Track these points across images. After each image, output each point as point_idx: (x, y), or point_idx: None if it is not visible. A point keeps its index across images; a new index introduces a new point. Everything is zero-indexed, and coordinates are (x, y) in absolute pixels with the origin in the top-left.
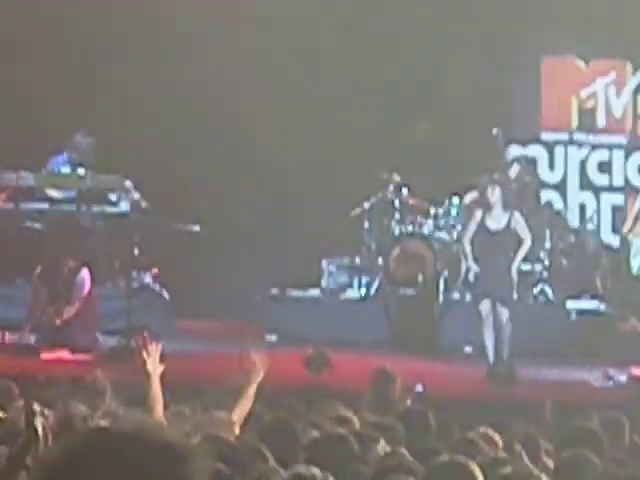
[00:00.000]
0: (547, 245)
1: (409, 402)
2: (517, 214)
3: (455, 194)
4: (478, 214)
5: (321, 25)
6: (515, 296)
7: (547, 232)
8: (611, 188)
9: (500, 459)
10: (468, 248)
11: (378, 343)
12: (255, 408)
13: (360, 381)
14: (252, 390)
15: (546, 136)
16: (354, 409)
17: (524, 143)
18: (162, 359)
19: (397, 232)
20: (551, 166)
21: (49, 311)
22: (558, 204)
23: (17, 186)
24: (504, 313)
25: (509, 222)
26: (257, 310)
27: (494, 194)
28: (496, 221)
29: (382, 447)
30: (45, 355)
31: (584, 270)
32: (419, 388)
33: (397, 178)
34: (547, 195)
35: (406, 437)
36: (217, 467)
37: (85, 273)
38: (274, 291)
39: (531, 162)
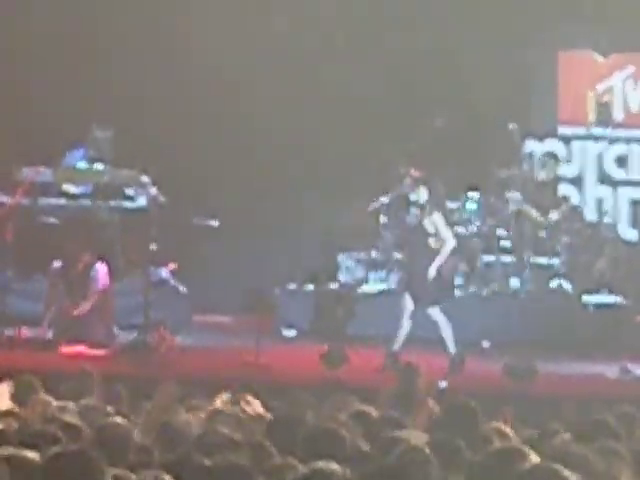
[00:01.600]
0: (564, 239)
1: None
2: (435, 215)
3: (472, 188)
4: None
5: (337, 20)
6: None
7: (564, 226)
8: (629, 182)
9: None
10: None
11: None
12: (272, 404)
13: (376, 376)
14: None
15: (563, 130)
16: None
17: (541, 137)
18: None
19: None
20: (568, 160)
21: (66, 305)
22: (575, 198)
23: (34, 181)
24: (434, 312)
25: (421, 221)
26: (274, 305)
27: (420, 194)
28: (414, 217)
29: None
30: (63, 349)
31: (601, 264)
32: (443, 384)
33: (414, 173)
34: (564, 189)
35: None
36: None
37: (101, 267)
38: (291, 286)
39: (552, 157)
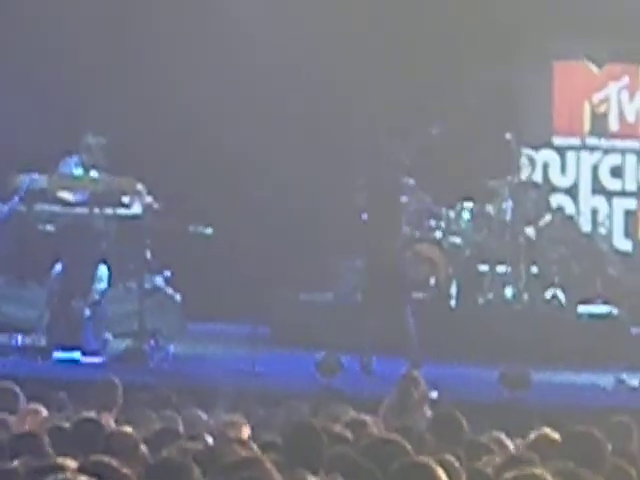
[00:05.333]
0: (559, 249)
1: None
2: None
3: (467, 197)
4: None
5: (336, 26)
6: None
7: (559, 236)
8: (623, 193)
9: (509, 462)
10: None
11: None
12: (270, 411)
13: (372, 385)
14: None
15: (558, 140)
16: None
17: (536, 147)
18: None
19: (409, 235)
20: (563, 171)
21: (61, 312)
22: (570, 209)
23: (29, 188)
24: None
25: None
26: (270, 313)
27: None
28: None
29: None
30: (57, 356)
31: (596, 275)
32: (434, 395)
33: (410, 181)
34: (559, 200)
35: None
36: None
37: (103, 271)
38: (287, 294)
39: (543, 167)
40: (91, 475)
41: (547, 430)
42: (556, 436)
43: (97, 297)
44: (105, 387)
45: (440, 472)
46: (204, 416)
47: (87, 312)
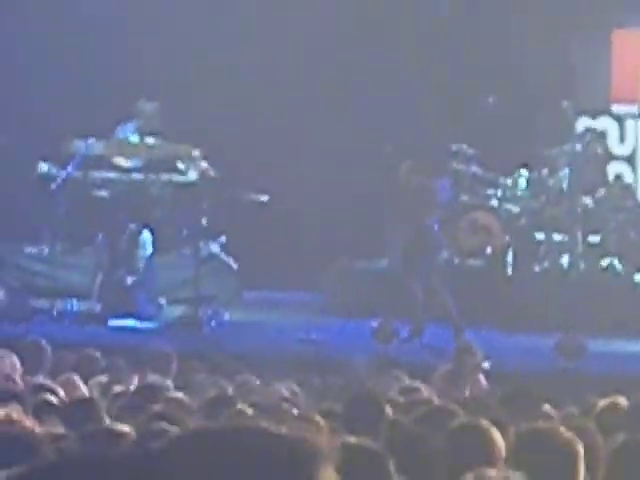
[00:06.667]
0: (617, 217)
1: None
2: None
3: (524, 165)
4: None
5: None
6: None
7: (616, 204)
8: None
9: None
10: None
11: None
12: (327, 379)
13: (426, 353)
14: None
15: (616, 108)
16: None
17: (594, 115)
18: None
19: (466, 203)
20: (621, 139)
21: (113, 278)
22: (628, 177)
23: (86, 154)
24: None
25: None
26: (325, 281)
27: None
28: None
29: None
30: (112, 323)
31: None
32: (486, 365)
33: (466, 149)
34: (617, 168)
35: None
36: None
37: (147, 237)
38: (342, 262)
39: (601, 135)
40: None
41: (614, 399)
42: (624, 404)
43: (141, 264)
44: (159, 356)
45: (495, 433)
46: (257, 382)
47: (129, 280)
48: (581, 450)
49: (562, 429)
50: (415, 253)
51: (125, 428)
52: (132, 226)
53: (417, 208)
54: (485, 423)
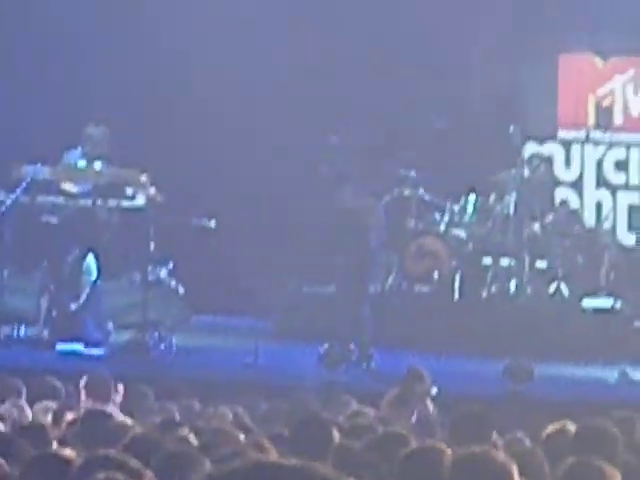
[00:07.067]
0: (563, 243)
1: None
2: None
3: (471, 191)
4: None
5: (335, 22)
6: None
7: (563, 230)
8: (627, 186)
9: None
10: None
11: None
12: (274, 404)
13: (374, 378)
14: None
15: (563, 134)
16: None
17: (541, 141)
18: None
19: (413, 228)
20: (567, 164)
21: (58, 303)
22: (574, 202)
23: (33, 179)
24: None
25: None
26: (273, 306)
27: None
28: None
29: None
30: (60, 347)
31: (599, 268)
32: (434, 391)
33: (413, 174)
34: (563, 193)
35: None
36: None
37: (91, 261)
38: (290, 287)
39: (547, 161)
40: (97, 469)
41: (562, 424)
42: (572, 429)
43: (86, 289)
44: (105, 382)
45: (449, 454)
46: (204, 407)
47: (73, 306)
48: (515, 473)
49: (496, 452)
50: (361, 278)
51: (71, 453)
52: (76, 251)
53: (360, 232)
54: (438, 446)
